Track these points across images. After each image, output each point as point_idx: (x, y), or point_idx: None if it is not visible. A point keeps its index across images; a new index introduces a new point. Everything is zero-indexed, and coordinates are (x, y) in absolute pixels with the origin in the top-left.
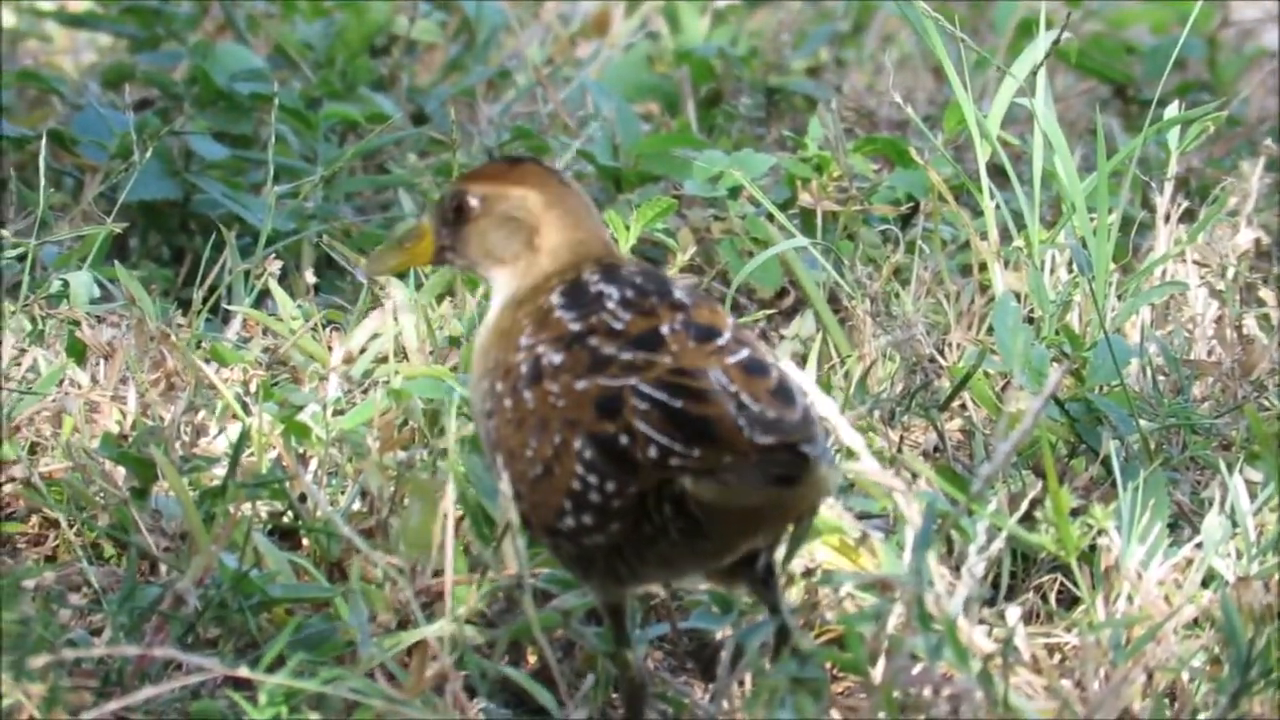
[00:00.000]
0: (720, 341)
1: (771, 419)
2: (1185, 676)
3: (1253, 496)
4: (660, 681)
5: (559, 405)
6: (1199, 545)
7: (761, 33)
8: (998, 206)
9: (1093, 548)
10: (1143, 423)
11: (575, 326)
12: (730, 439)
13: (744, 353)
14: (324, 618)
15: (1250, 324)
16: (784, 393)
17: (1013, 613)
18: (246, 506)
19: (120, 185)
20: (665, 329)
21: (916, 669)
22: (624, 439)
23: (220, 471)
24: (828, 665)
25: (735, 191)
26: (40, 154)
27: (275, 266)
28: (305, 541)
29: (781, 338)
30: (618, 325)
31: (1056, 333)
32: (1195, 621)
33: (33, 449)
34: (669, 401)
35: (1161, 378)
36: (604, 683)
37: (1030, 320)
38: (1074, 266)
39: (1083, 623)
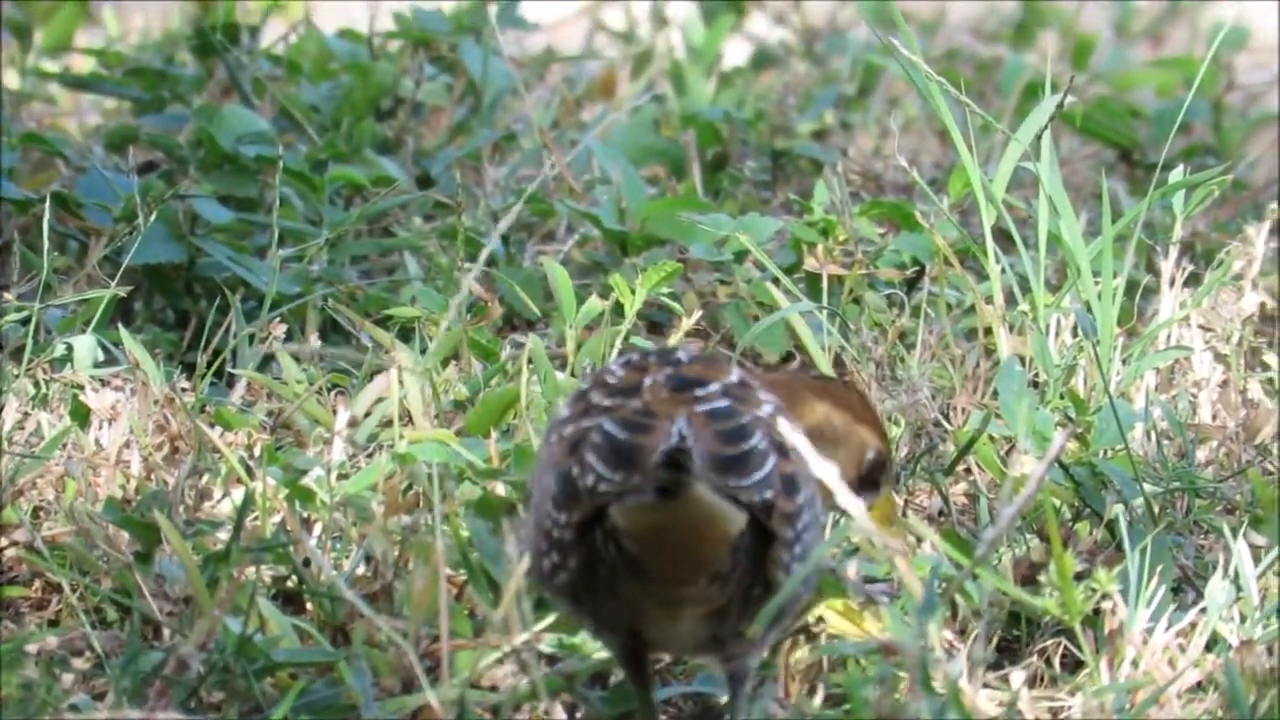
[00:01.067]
0: (700, 392)
1: (700, 450)
2: None
3: (1256, 560)
4: None
5: (555, 452)
6: (1203, 609)
7: (767, 96)
8: (1003, 270)
9: (1097, 611)
10: (1147, 486)
11: (585, 385)
12: (644, 463)
13: (722, 403)
14: (328, 682)
15: (1255, 388)
16: (735, 435)
17: (1016, 676)
18: (250, 571)
19: (125, 248)
20: (648, 380)
21: None
22: (575, 469)
23: (224, 536)
24: None
25: (741, 255)
26: (44, 217)
27: (280, 330)
28: (309, 606)
29: None
30: (612, 380)
31: (1061, 397)
32: (1199, 685)
33: (36, 513)
34: (616, 434)
35: (1166, 442)
36: None
37: (1035, 384)
38: (1079, 331)
39: (1086, 686)
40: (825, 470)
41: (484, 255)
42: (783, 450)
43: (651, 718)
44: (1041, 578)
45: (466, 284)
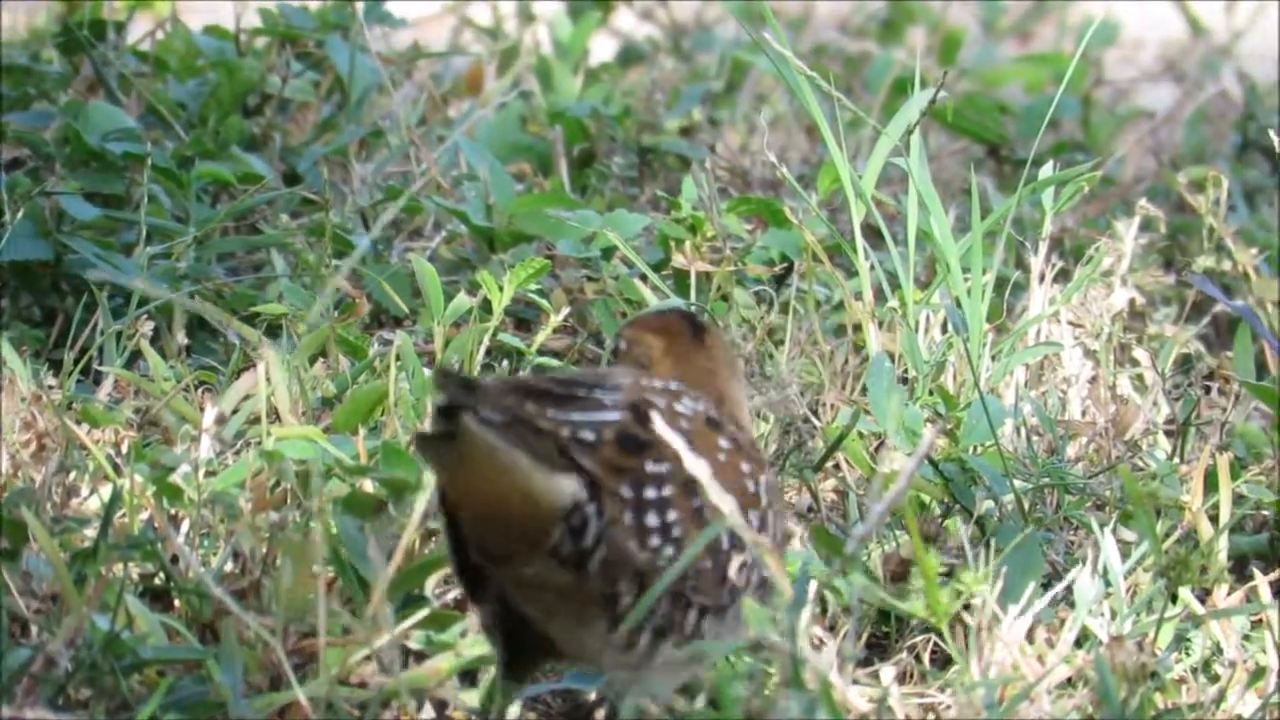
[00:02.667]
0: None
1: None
2: None
3: (1126, 556)
4: None
5: None
6: (1072, 605)
7: (635, 92)
8: (872, 267)
9: (967, 606)
10: (1017, 483)
11: None
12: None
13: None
14: (196, 679)
15: (1124, 384)
16: (573, 382)
17: (887, 673)
18: (118, 568)
19: None
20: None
21: None
22: None
23: (92, 533)
24: None
25: (609, 252)
26: None
27: (147, 327)
28: (177, 603)
29: None
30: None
31: (931, 393)
32: (1069, 681)
33: None
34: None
35: (1036, 438)
36: None
37: (904, 381)
38: (948, 327)
39: (956, 683)
40: (696, 467)
41: (357, 254)
42: (643, 420)
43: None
44: (912, 573)
45: (334, 281)
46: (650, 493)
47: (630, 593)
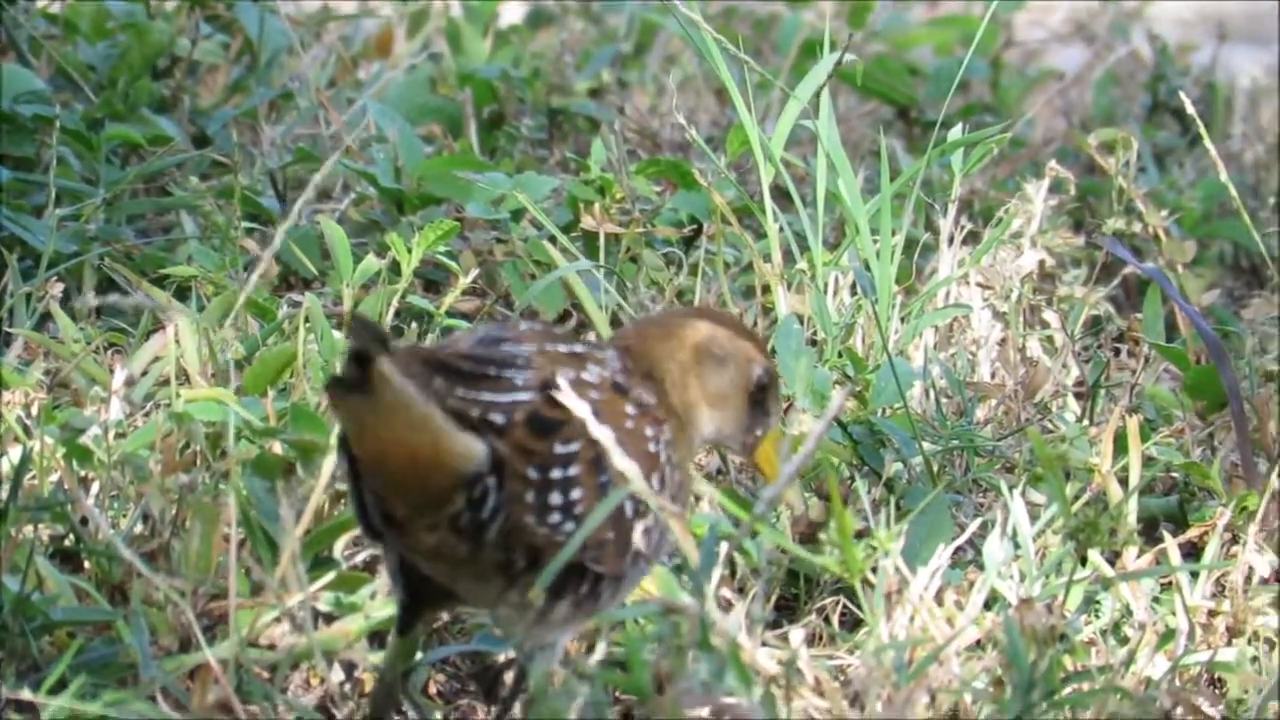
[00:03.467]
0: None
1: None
2: (968, 699)
3: (1035, 519)
4: (443, 704)
5: None
6: (981, 567)
7: (544, 54)
8: (781, 229)
9: (874, 569)
10: (926, 445)
11: None
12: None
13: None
14: (106, 640)
15: (1034, 346)
16: (489, 360)
17: (796, 635)
18: (28, 529)
19: None
20: None
21: (700, 692)
22: None
23: (1, 495)
24: (610, 688)
25: (518, 214)
26: None
27: (57, 289)
28: (87, 564)
29: None
30: None
31: (839, 355)
32: (978, 643)
33: None
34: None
35: (944, 400)
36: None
37: (813, 343)
38: (857, 289)
39: (865, 645)
40: (601, 433)
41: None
42: (554, 401)
43: (399, 659)
44: (821, 536)
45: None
46: (556, 473)
47: (525, 561)
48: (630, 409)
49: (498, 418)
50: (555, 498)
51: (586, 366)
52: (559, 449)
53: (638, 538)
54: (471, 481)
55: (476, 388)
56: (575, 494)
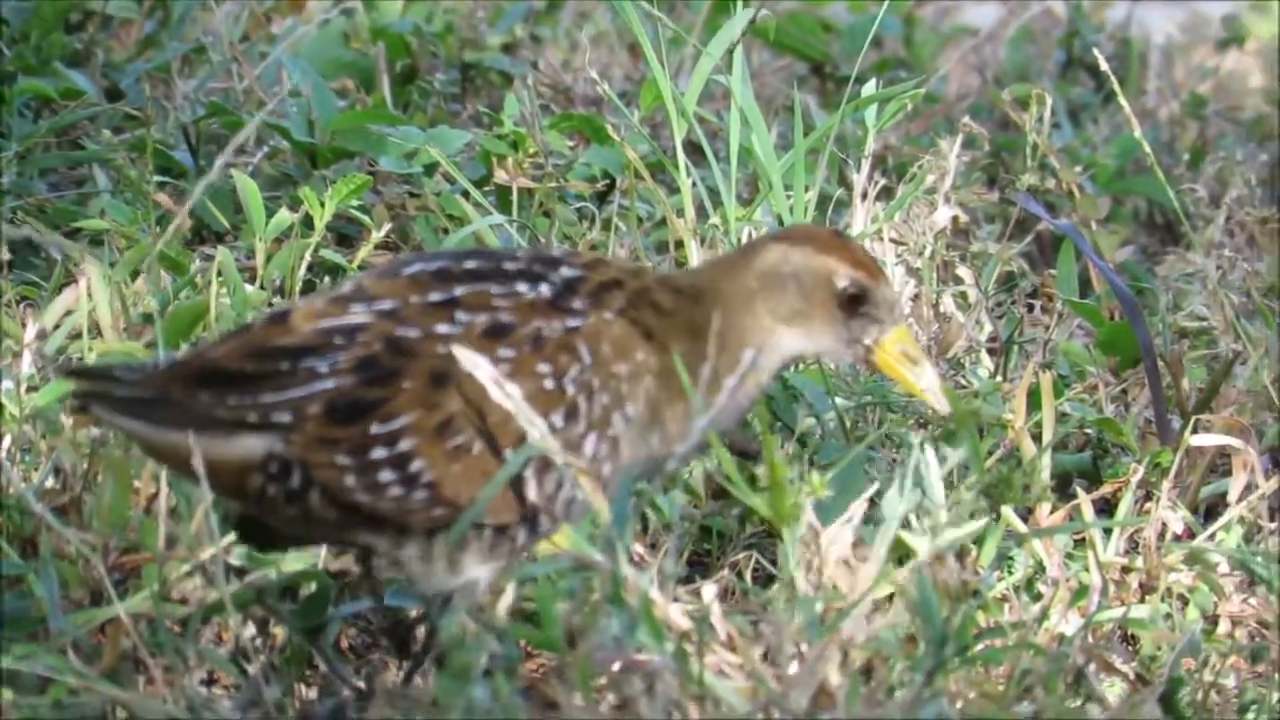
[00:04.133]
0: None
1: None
2: (881, 654)
3: (948, 475)
4: (355, 658)
5: None
6: (894, 523)
7: (457, 9)
8: (694, 184)
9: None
10: (839, 401)
11: None
12: None
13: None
14: (17, 594)
15: (947, 302)
16: (266, 354)
17: (708, 590)
18: None
19: None
20: None
21: (611, 647)
22: None
23: None
24: (522, 643)
25: (431, 168)
26: None
27: None
28: None
29: None
30: None
31: None
32: (890, 599)
33: None
34: None
35: None
36: (299, 658)
37: None
38: None
39: (778, 600)
40: (510, 391)
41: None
42: (380, 377)
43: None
44: (734, 492)
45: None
46: (379, 453)
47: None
48: (506, 351)
49: (282, 416)
50: (386, 474)
51: (452, 316)
52: (377, 429)
53: (532, 494)
54: (263, 471)
55: (256, 390)
56: (416, 465)
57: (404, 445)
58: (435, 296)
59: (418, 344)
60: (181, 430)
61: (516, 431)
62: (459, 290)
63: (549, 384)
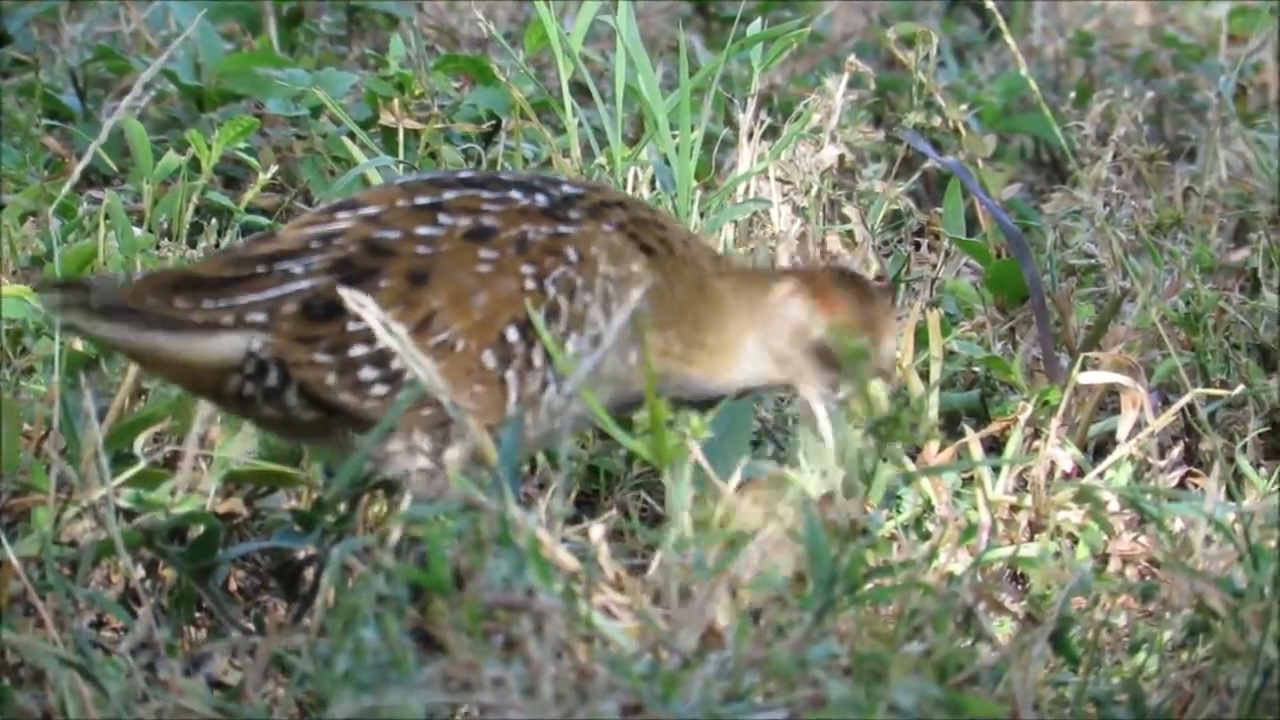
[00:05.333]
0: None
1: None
2: (770, 594)
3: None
4: (243, 600)
5: None
6: (781, 462)
7: None
8: (580, 124)
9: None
10: None
11: None
12: None
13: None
14: None
15: (834, 241)
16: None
17: (596, 530)
18: None
19: None
20: None
21: (499, 588)
22: None
23: None
24: (410, 584)
25: (317, 110)
26: None
27: None
28: None
29: None
30: None
31: None
32: (779, 539)
33: None
34: None
35: None
36: (188, 600)
37: None
38: (657, 184)
39: (666, 541)
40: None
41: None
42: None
43: None
44: (614, 436)
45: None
46: (359, 350)
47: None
48: (488, 253)
49: (257, 316)
50: (368, 372)
51: (430, 220)
52: (354, 326)
53: (511, 380)
54: (240, 371)
55: (231, 293)
56: (398, 363)
57: (383, 344)
58: (422, 200)
59: (396, 244)
60: (157, 331)
61: (501, 327)
62: (448, 195)
63: (530, 284)
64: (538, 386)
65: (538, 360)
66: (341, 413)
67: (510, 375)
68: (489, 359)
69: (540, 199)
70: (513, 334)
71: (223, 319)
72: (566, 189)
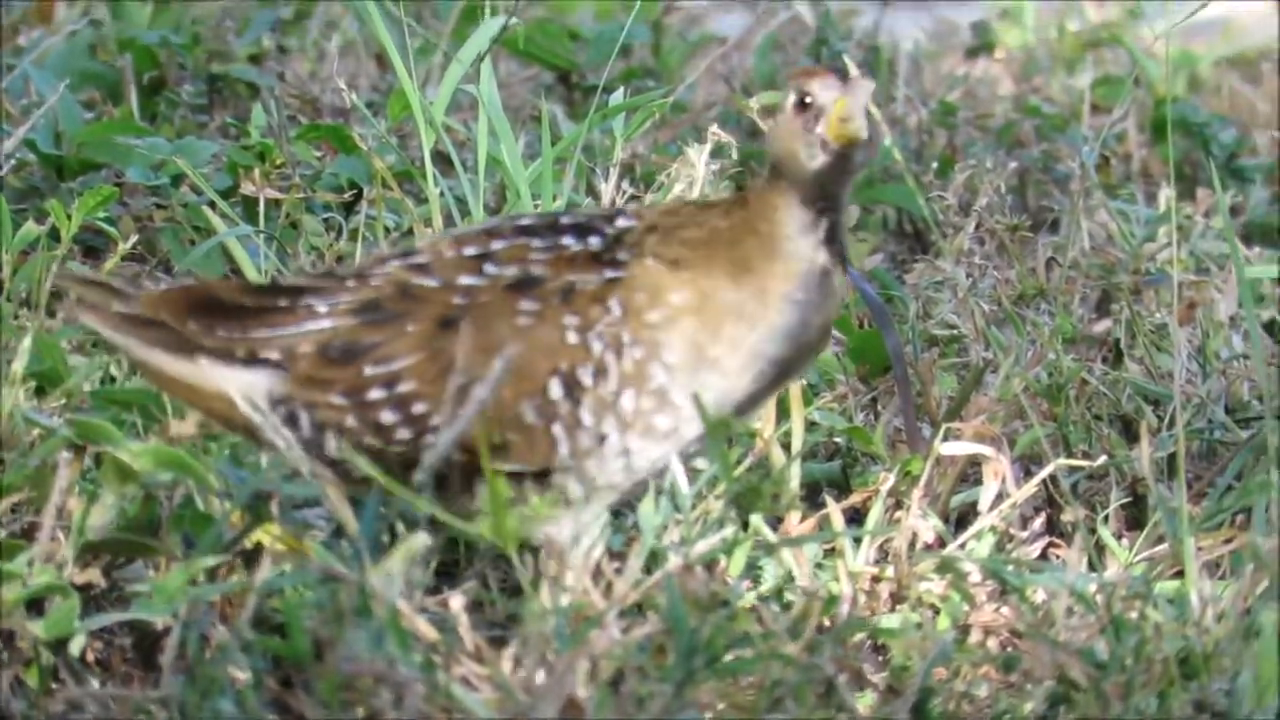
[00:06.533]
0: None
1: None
2: (630, 664)
3: (694, 481)
4: (101, 671)
5: None
6: (641, 531)
7: (204, 20)
8: (442, 194)
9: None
10: None
11: None
12: None
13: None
14: None
15: None
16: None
17: (456, 601)
18: None
19: None
20: None
21: (359, 658)
22: None
23: None
24: (269, 654)
25: (178, 179)
26: None
27: None
28: None
29: None
30: None
31: None
32: (639, 608)
33: None
34: None
35: None
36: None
37: None
38: None
39: (526, 611)
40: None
41: None
42: (370, 324)
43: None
44: (451, 525)
45: None
46: (377, 394)
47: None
48: (529, 305)
49: (271, 354)
50: (388, 415)
51: (478, 267)
52: (371, 370)
53: (559, 434)
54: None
55: (247, 326)
56: (419, 408)
57: (404, 387)
58: (470, 250)
59: (432, 292)
60: (164, 352)
61: (533, 376)
62: (496, 245)
63: (572, 337)
64: (593, 443)
65: (588, 418)
66: (369, 452)
67: (558, 430)
68: (528, 412)
69: (594, 241)
70: (556, 389)
71: (235, 351)
72: (621, 222)
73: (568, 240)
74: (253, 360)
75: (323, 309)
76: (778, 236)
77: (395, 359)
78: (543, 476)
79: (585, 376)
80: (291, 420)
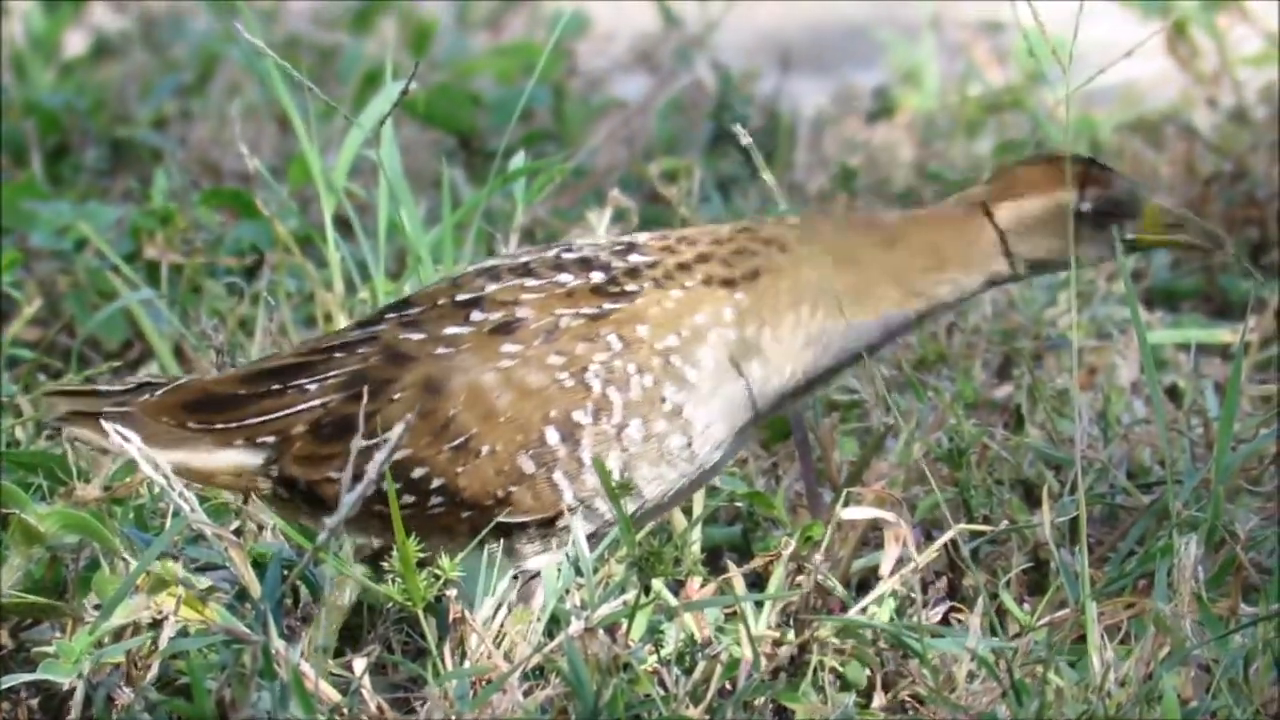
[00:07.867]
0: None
1: None
2: None
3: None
4: None
5: None
6: (551, 598)
7: (108, 85)
8: (343, 258)
9: (439, 598)
10: None
11: None
12: None
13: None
14: None
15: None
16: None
17: (359, 663)
18: None
19: None
20: None
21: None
22: None
23: None
24: (173, 716)
25: (82, 244)
26: None
27: None
28: None
29: None
30: None
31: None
32: (541, 671)
33: None
34: None
35: None
36: None
37: None
38: None
39: (429, 674)
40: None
41: None
42: (360, 396)
43: None
44: (384, 564)
45: None
46: (374, 467)
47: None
48: (512, 347)
49: (266, 438)
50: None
51: (458, 318)
52: (367, 442)
53: (561, 480)
54: (264, 476)
55: (243, 414)
56: (418, 473)
57: (401, 454)
58: (463, 297)
59: (417, 347)
60: (168, 450)
61: (529, 426)
62: (491, 288)
63: (563, 377)
64: (590, 488)
65: (587, 457)
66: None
67: (559, 477)
68: (525, 463)
69: (596, 275)
70: (553, 436)
71: (234, 440)
72: (635, 258)
73: (564, 277)
74: (250, 445)
75: (312, 388)
76: None
77: (387, 427)
78: (551, 522)
79: (582, 417)
80: (290, 486)
